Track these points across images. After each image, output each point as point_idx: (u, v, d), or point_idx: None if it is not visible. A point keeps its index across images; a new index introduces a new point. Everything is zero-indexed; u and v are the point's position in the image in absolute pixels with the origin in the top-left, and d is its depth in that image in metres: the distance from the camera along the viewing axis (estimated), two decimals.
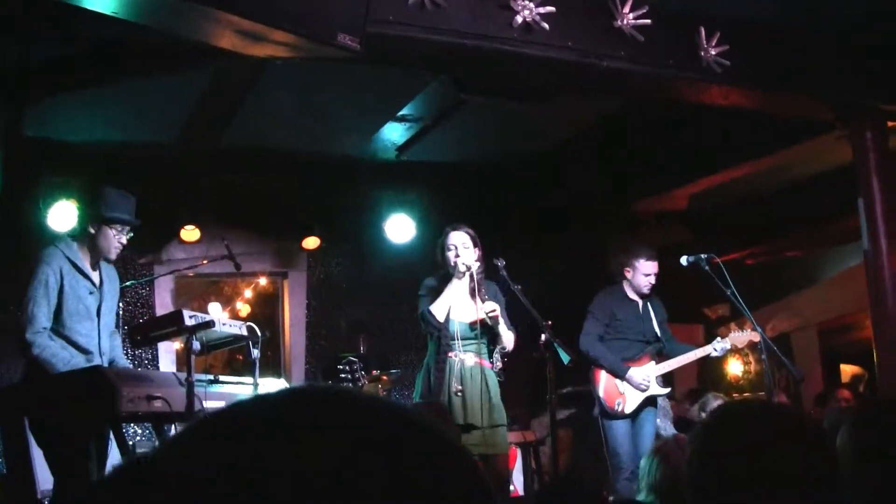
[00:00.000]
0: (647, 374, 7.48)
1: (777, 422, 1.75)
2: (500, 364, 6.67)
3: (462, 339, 6.48)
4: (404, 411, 0.82)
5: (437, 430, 0.81)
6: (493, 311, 6.40)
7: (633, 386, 7.43)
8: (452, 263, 6.51)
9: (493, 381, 6.54)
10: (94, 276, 5.66)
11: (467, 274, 6.47)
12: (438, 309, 6.48)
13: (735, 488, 1.68)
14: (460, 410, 6.31)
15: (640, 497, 4.06)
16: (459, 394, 6.34)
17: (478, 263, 6.50)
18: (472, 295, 6.54)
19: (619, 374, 7.45)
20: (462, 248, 6.51)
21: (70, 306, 5.46)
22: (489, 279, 6.69)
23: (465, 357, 6.46)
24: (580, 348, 7.47)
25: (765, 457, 1.67)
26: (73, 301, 5.48)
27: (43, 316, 5.32)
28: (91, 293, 5.59)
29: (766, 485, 1.65)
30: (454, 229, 6.60)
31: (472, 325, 6.52)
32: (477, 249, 6.55)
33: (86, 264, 5.60)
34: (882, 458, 2.04)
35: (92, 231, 5.60)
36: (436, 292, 6.57)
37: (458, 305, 6.54)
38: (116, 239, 5.58)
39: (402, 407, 0.83)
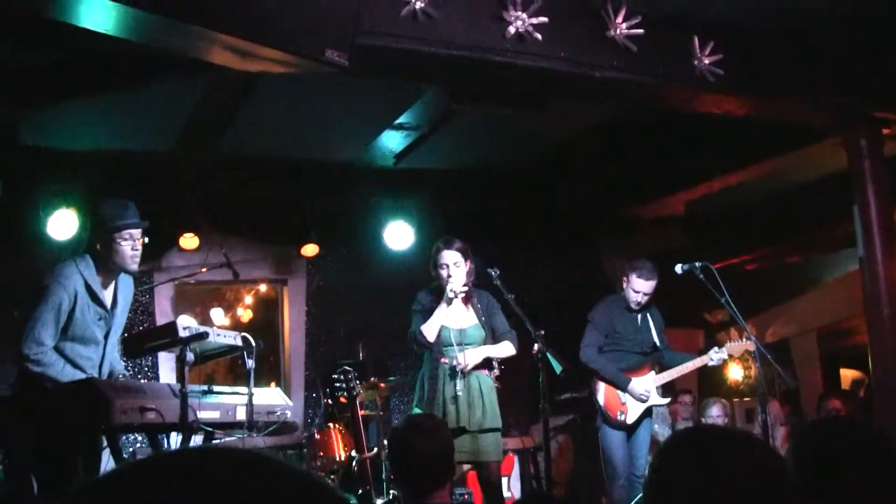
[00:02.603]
0: (647, 386, 7.48)
1: (730, 448, 1.78)
2: (496, 371, 6.72)
3: (452, 346, 6.52)
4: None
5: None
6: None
7: (633, 397, 7.44)
8: (444, 282, 6.53)
9: (488, 386, 6.58)
10: (108, 297, 5.55)
11: (458, 297, 6.52)
12: (429, 330, 6.52)
13: None
14: (454, 415, 6.36)
15: None
16: (454, 399, 6.40)
17: (466, 287, 6.54)
18: (465, 303, 6.62)
19: (621, 385, 7.45)
20: (454, 267, 6.53)
21: (76, 331, 5.37)
22: (480, 287, 6.74)
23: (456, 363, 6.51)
24: (581, 359, 7.48)
25: (715, 482, 1.70)
26: (81, 328, 5.39)
27: (49, 338, 5.22)
28: (101, 319, 5.49)
29: None
30: (446, 247, 6.59)
31: (461, 332, 6.56)
32: (468, 262, 6.59)
33: (100, 285, 5.47)
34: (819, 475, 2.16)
35: (101, 248, 5.46)
36: (428, 310, 6.60)
37: (450, 313, 6.59)
38: (129, 246, 5.43)
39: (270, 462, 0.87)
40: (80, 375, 5.29)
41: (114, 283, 5.62)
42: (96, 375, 5.48)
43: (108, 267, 5.50)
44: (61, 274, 5.36)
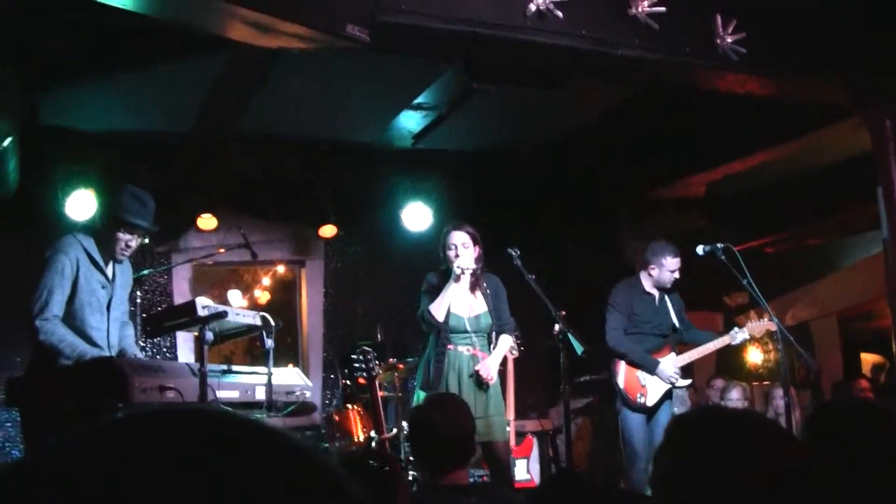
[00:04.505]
0: (677, 366, 7.45)
1: (746, 428, 1.76)
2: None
3: (461, 333, 6.58)
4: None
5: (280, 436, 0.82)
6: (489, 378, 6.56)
7: (662, 379, 7.39)
8: (452, 262, 6.56)
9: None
10: (108, 269, 5.67)
11: (466, 274, 6.54)
12: (438, 309, 6.55)
13: (703, 489, 1.69)
14: None
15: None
16: (459, 386, 6.46)
17: (474, 265, 6.58)
18: (472, 289, 6.65)
19: (650, 368, 7.40)
20: (462, 248, 6.57)
21: (83, 297, 5.48)
22: (492, 272, 6.79)
23: (463, 350, 6.58)
24: (608, 344, 7.45)
25: (734, 459, 1.68)
26: (87, 293, 5.49)
27: (56, 304, 5.33)
28: (103, 287, 5.60)
29: (736, 487, 1.66)
30: (455, 228, 6.65)
31: (470, 320, 6.61)
32: (477, 248, 6.63)
33: (100, 257, 5.59)
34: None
35: (102, 227, 5.65)
36: (436, 290, 6.63)
37: (457, 300, 6.62)
38: (125, 241, 5.56)
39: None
40: (91, 348, 5.34)
41: (112, 261, 5.71)
42: (105, 346, 5.57)
43: (103, 245, 5.62)
44: (61, 243, 5.51)
